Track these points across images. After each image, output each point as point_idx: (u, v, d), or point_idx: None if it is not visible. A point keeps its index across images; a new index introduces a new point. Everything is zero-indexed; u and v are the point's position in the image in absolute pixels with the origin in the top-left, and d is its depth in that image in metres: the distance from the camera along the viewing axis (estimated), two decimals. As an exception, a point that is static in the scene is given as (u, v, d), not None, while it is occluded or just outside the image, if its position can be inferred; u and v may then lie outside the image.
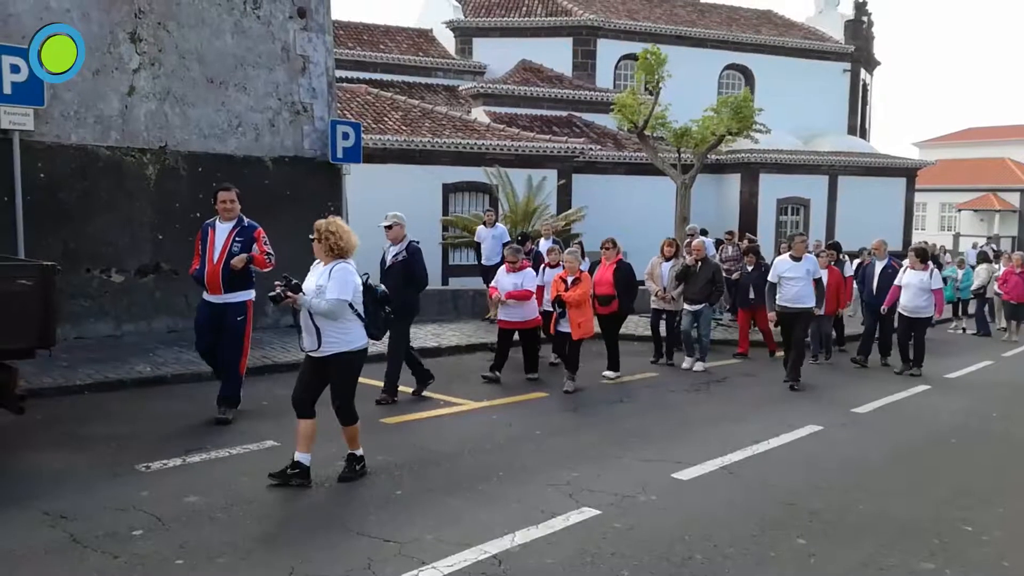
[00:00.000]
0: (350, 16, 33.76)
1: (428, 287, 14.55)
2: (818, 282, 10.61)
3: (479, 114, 24.35)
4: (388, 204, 18.00)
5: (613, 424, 8.22)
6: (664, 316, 11.98)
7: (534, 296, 10.23)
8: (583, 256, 13.47)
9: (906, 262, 11.99)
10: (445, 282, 19.29)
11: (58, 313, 6.48)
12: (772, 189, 26.81)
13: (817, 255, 12.20)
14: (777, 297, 10.53)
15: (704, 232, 16.07)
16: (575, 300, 9.40)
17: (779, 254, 11.47)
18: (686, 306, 11.52)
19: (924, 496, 6.31)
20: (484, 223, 15.46)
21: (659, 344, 11.93)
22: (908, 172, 29.90)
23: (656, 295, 11.89)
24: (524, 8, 29.49)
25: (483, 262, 15.06)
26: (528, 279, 10.16)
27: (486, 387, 9.70)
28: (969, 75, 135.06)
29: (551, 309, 9.84)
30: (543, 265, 10.96)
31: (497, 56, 27.73)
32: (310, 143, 13.04)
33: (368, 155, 15.07)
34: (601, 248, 11.05)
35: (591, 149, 22.95)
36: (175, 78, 11.51)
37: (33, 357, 6.42)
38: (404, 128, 20.49)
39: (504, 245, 13.60)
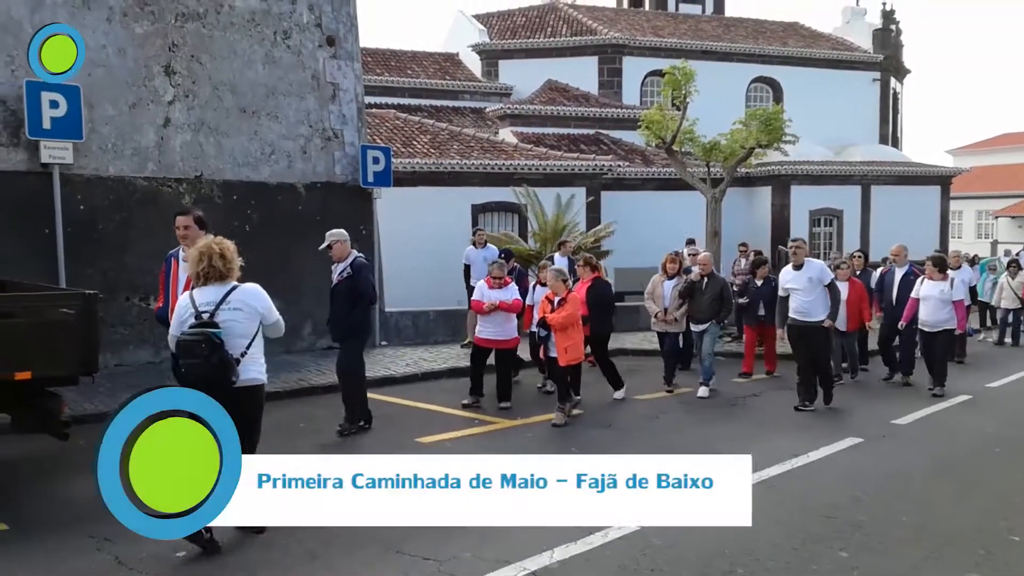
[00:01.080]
0: (377, 43, 34.22)
1: (459, 307, 14.52)
2: (831, 288, 9.60)
3: (506, 135, 24.51)
4: (418, 226, 18.38)
5: (649, 441, 8.18)
6: (667, 338, 10.92)
7: (515, 316, 9.78)
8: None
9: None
10: (477, 302, 19.37)
11: (100, 340, 6.61)
12: (804, 201, 26.55)
13: (836, 268, 11.38)
14: (789, 311, 9.75)
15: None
16: (559, 323, 8.70)
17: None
18: (692, 326, 10.70)
19: (968, 506, 6.20)
20: (473, 243, 14.05)
21: (670, 370, 10.89)
22: (943, 180, 29.49)
23: (656, 317, 10.83)
24: (549, 29, 29.69)
25: (473, 284, 13.48)
26: (513, 296, 9.72)
27: (520, 406, 9.69)
28: (1002, 80, 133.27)
29: (535, 331, 9.21)
30: (534, 283, 10.39)
31: (523, 77, 27.91)
32: (341, 168, 13.24)
33: (398, 179, 15.22)
34: (578, 266, 10.41)
35: (619, 166, 22.98)
36: (209, 109, 11.77)
37: (76, 384, 6.56)
38: (432, 151, 20.69)
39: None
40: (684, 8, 35.57)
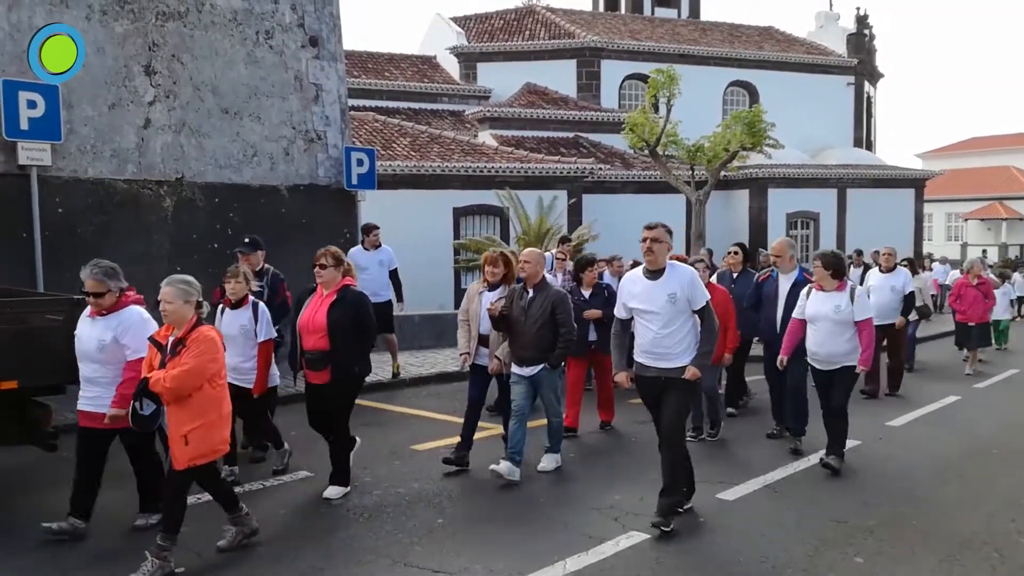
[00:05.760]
0: (354, 45, 33.95)
1: (444, 311, 13.84)
2: (703, 315, 5.69)
3: (486, 138, 24.39)
4: (399, 230, 18.18)
5: (644, 446, 8.00)
6: (483, 381, 7.18)
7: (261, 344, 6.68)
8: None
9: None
10: (458, 306, 19.22)
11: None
12: (781, 204, 26.76)
13: (694, 264, 7.25)
14: (636, 348, 5.82)
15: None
16: (171, 389, 4.77)
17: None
18: (515, 368, 6.84)
19: (975, 510, 6.16)
20: (363, 244, 11.13)
21: (470, 429, 7.17)
22: (916, 183, 29.86)
23: (467, 339, 7.15)
24: (527, 32, 29.65)
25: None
26: (261, 318, 6.64)
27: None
28: (971, 85, 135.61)
29: (140, 410, 4.94)
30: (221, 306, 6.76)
31: (501, 80, 27.83)
32: (324, 171, 13.00)
33: (379, 181, 15.01)
34: (315, 266, 6.32)
35: (600, 169, 22.96)
36: (190, 110, 11.50)
37: (63, 392, 6.32)
38: (413, 153, 20.52)
39: (392, 273, 11.09)
40: (660, 12, 35.72)
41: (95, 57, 10.64)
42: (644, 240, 5.66)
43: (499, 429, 7.93)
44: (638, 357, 5.77)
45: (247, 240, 7.73)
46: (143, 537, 5.32)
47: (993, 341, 15.49)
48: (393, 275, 11.10)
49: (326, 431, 6.42)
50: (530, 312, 6.66)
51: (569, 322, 6.77)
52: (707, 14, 37.89)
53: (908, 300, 10.92)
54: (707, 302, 5.71)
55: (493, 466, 6.68)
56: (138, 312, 5.53)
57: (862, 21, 33.85)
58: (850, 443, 7.99)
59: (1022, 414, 9.79)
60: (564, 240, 11.90)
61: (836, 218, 27.87)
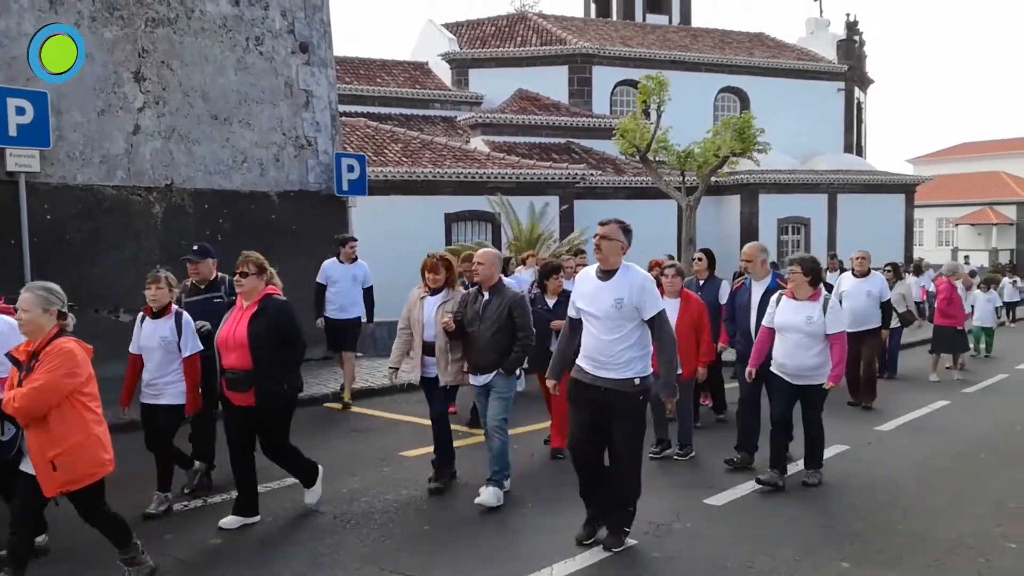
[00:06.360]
0: (346, 51, 34.09)
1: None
2: (654, 326, 5.18)
3: (478, 144, 24.43)
4: (391, 235, 18.19)
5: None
6: (437, 394, 6.77)
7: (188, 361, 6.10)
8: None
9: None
10: (450, 312, 19.18)
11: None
12: (772, 209, 26.89)
13: (662, 272, 7.82)
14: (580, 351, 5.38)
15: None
16: (17, 409, 4.30)
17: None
18: (472, 379, 6.52)
19: (962, 514, 6.18)
20: (338, 256, 10.10)
21: (446, 452, 6.91)
22: (906, 188, 30.02)
23: (401, 353, 6.83)
24: (519, 39, 29.72)
25: (328, 314, 9.90)
26: (185, 329, 6.09)
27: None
28: (962, 90, 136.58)
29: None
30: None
31: (493, 86, 27.90)
32: (315, 176, 13.03)
33: (370, 187, 15.03)
34: (234, 275, 5.81)
35: (592, 174, 23.01)
36: (179, 116, 11.51)
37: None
38: (405, 159, 20.55)
39: (366, 292, 10.20)
40: (651, 18, 35.85)
41: (85, 64, 10.62)
42: (595, 236, 5.26)
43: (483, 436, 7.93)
44: (579, 360, 5.32)
45: (196, 248, 7.24)
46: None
47: (983, 348, 15.66)
48: (367, 293, 10.26)
49: (244, 460, 5.77)
50: (485, 316, 6.26)
51: (528, 326, 6.33)
52: (698, 20, 38.04)
53: (885, 308, 10.65)
54: (659, 312, 5.15)
55: (478, 499, 6.20)
56: (3, 321, 4.92)
57: (852, 27, 34.01)
58: (838, 448, 8.06)
59: (1010, 418, 9.82)
60: (577, 252, 11.48)
61: (827, 223, 28.00)
